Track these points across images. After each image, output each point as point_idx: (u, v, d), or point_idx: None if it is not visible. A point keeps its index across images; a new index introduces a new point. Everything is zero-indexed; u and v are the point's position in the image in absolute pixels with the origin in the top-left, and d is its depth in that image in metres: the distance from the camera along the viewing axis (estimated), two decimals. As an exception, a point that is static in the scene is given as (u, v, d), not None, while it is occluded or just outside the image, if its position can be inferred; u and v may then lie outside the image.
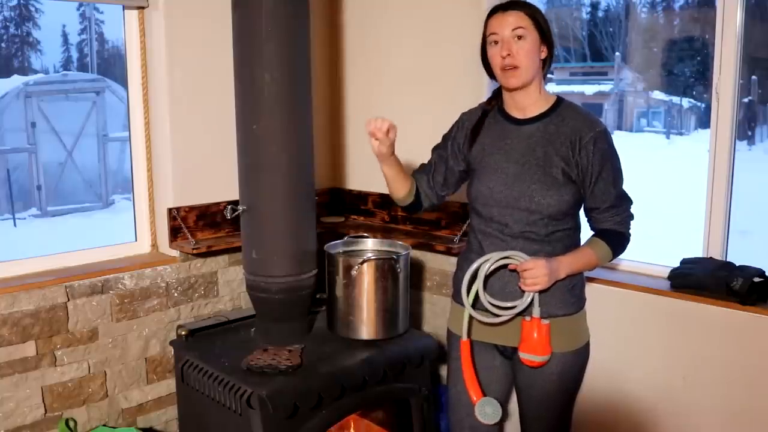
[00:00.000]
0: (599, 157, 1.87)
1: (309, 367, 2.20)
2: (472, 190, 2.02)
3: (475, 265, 1.91)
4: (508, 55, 1.87)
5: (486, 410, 1.95)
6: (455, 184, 2.14)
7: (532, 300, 1.88)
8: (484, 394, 1.98)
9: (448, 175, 2.11)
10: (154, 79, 2.64)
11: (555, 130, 1.91)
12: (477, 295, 1.93)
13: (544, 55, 1.93)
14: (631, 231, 1.99)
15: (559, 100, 1.96)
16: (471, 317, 1.96)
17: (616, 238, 1.96)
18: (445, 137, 2.13)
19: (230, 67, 2.29)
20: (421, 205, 2.15)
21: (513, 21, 1.87)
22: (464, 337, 1.98)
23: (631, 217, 1.98)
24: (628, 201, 1.97)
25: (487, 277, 1.91)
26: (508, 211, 1.92)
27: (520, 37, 1.87)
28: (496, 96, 2.04)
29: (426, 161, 2.18)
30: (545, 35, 1.91)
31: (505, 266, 1.91)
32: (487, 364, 2.06)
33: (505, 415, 2.01)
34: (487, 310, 1.93)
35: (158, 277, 2.63)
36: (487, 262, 1.90)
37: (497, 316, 1.92)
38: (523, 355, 1.92)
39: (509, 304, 1.90)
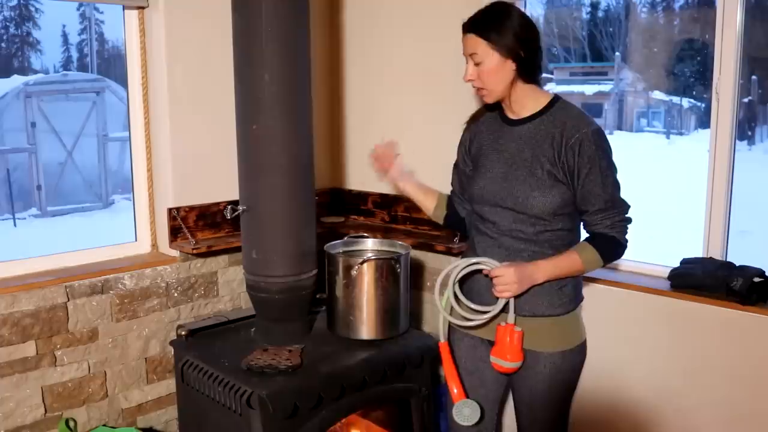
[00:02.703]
0: (586, 159, 1.81)
1: (309, 367, 2.20)
2: (469, 191, 2.03)
3: (444, 272, 1.93)
4: (470, 80, 1.89)
5: (464, 412, 1.96)
6: None
7: (507, 305, 1.88)
8: (467, 396, 1.99)
9: None
10: (154, 79, 2.64)
11: (544, 131, 1.87)
12: (457, 298, 1.94)
13: (514, 66, 1.84)
14: (627, 236, 1.89)
15: (554, 100, 1.91)
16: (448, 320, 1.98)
17: (607, 244, 1.87)
18: (459, 149, 2.13)
19: (230, 67, 2.29)
20: (458, 214, 2.16)
21: (469, 46, 1.86)
22: (442, 340, 2.00)
23: (627, 221, 1.88)
24: (622, 204, 1.87)
25: (463, 280, 1.93)
26: (496, 210, 1.93)
27: (477, 63, 1.86)
28: None
29: (451, 182, 2.19)
30: (509, 48, 1.82)
31: (480, 270, 1.92)
32: (481, 361, 2.06)
33: (483, 417, 2.01)
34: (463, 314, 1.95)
35: (158, 277, 2.63)
36: (456, 269, 1.91)
37: (471, 320, 1.93)
38: (493, 359, 1.91)
39: (482, 309, 1.90)
